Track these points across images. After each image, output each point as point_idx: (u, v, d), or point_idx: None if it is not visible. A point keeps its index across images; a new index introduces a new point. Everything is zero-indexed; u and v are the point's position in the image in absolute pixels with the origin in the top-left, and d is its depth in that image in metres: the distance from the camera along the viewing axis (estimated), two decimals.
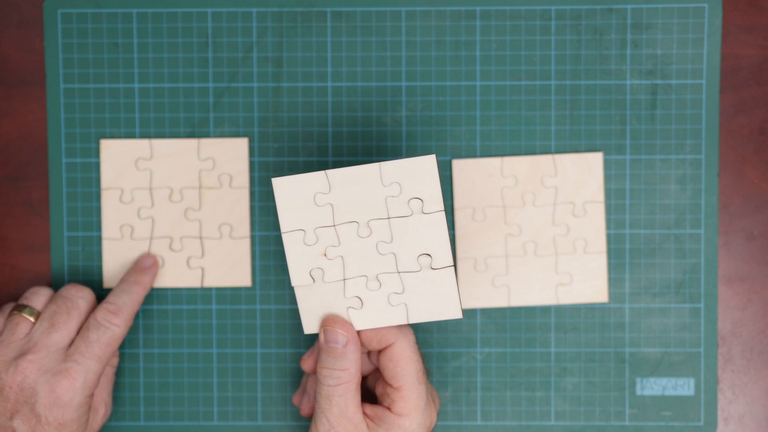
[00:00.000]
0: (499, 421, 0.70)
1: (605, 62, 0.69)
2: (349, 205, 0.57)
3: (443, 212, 0.57)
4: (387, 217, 0.58)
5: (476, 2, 0.69)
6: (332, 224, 0.58)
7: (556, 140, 0.69)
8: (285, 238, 0.58)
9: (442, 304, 0.58)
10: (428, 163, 0.57)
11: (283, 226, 0.58)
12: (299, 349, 0.70)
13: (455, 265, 0.69)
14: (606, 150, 0.69)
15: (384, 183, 0.57)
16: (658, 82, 0.69)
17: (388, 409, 0.59)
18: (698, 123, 0.69)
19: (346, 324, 0.59)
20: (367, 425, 0.59)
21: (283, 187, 0.57)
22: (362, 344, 0.60)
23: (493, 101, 0.69)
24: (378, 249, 0.58)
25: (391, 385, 0.59)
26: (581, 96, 0.69)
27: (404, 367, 0.59)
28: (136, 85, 0.69)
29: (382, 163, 0.57)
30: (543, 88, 0.69)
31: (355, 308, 0.59)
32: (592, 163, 0.69)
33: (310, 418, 0.66)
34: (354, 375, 0.59)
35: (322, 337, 0.59)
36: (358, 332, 0.60)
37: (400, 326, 0.60)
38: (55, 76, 0.69)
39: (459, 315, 0.58)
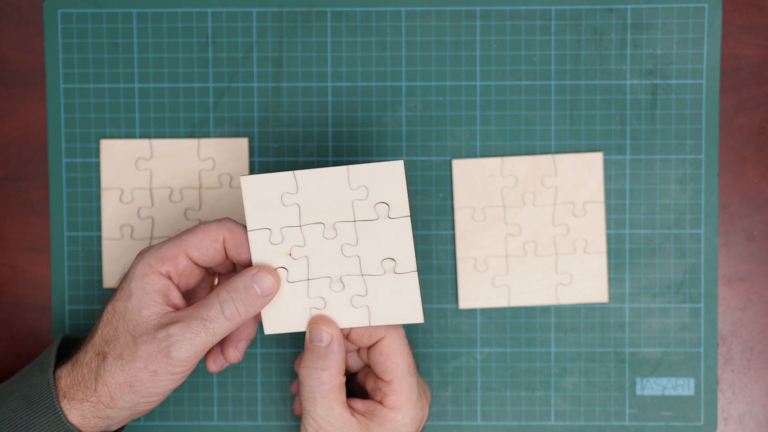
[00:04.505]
0: (499, 421, 0.70)
1: (605, 62, 0.69)
2: (315, 206, 0.57)
3: (409, 218, 0.57)
4: (353, 220, 0.57)
5: (476, 2, 0.69)
6: (298, 224, 0.58)
7: (556, 140, 0.69)
8: (251, 236, 0.58)
9: (404, 308, 0.58)
10: (395, 168, 0.56)
11: (250, 224, 0.58)
12: (299, 349, 0.70)
13: (457, 266, 0.69)
14: (606, 150, 0.69)
15: (351, 186, 0.57)
16: (658, 82, 0.69)
17: (380, 403, 0.59)
18: (698, 123, 0.69)
19: (332, 323, 0.59)
20: (359, 421, 0.59)
21: (252, 185, 0.57)
22: (353, 342, 0.60)
23: (493, 101, 0.69)
24: (343, 251, 0.58)
25: (382, 379, 0.59)
26: (581, 96, 0.69)
27: (395, 361, 0.59)
28: (136, 85, 0.69)
29: (350, 167, 0.57)
30: (543, 88, 0.69)
31: (318, 308, 0.59)
32: (592, 163, 0.69)
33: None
34: (335, 376, 0.58)
35: (307, 336, 0.59)
36: (349, 331, 0.59)
37: None
38: (55, 76, 0.69)
39: (420, 319, 0.58)
